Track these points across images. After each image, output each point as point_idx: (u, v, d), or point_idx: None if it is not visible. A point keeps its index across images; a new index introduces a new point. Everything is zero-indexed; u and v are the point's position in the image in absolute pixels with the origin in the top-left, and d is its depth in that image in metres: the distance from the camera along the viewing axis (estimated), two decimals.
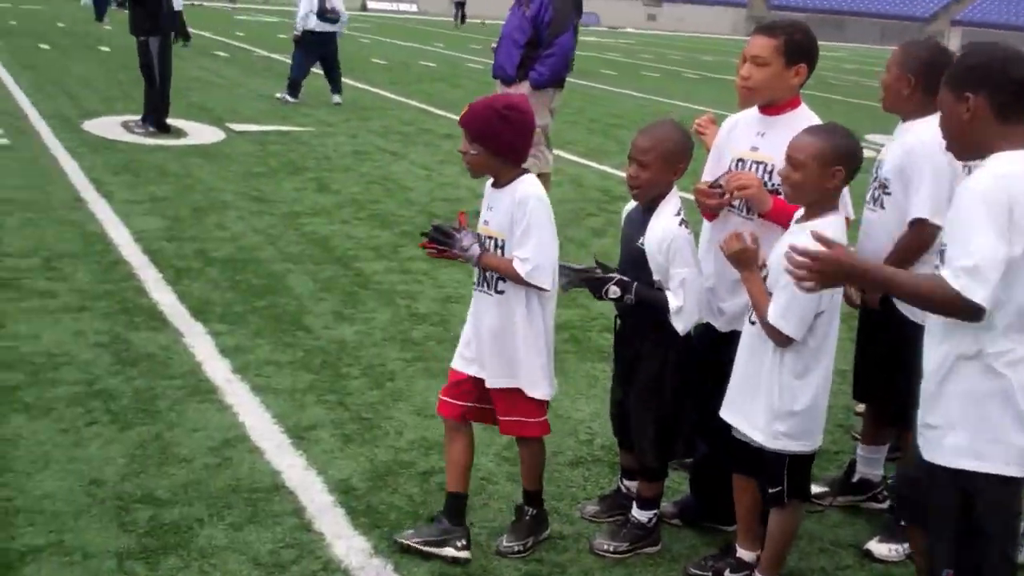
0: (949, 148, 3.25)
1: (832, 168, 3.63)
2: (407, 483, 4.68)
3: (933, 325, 3.13)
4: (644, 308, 4.02)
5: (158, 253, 7.82)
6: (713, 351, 4.27)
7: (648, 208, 4.07)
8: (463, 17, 48.09)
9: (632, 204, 4.24)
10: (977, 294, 2.86)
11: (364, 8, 57.40)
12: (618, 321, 4.30)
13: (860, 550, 4.38)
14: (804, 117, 4.14)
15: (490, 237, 4.00)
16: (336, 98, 16.62)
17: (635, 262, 4.06)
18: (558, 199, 10.70)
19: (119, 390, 5.39)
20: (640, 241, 4.02)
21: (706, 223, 4.42)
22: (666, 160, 3.97)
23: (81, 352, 5.84)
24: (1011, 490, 3.08)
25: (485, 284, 4.04)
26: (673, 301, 3.97)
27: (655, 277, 4.00)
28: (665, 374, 4.10)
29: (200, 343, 6.13)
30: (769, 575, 3.93)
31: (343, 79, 16.90)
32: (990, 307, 2.89)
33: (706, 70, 31.70)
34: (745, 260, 3.78)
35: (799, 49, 4.13)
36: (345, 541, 4.18)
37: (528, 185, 3.95)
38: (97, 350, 5.89)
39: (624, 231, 4.24)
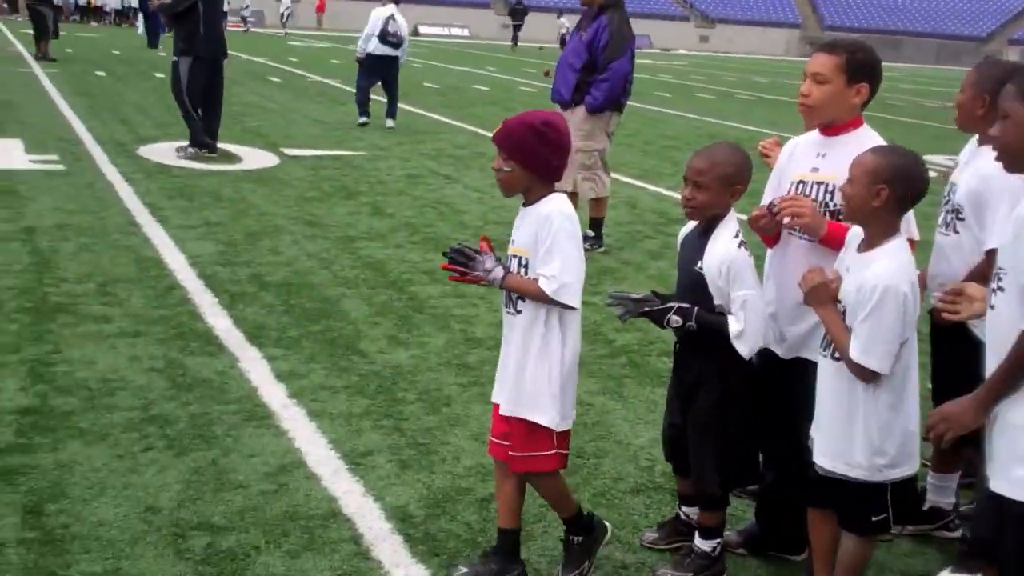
0: (1013, 164, 3.14)
1: (876, 187, 3.51)
2: (465, 510, 4.60)
3: (999, 345, 3.00)
4: (706, 333, 3.91)
5: (213, 278, 7.82)
6: (775, 379, 4.16)
7: (705, 231, 3.98)
8: (516, 39, 47.96)
9: (689, 227, 4.14)
10: None
11: (416, 33, 57.78)
12: (677, 344, 4.20)
13: None
14: (866, 137, 4.02)
15: (515, 256, 3.88)
16: (389, 122, 16.75)
17: (694, 286, 3.96)
18: (615, 221, 10.67)
19: (175, 415, 5.35)
20: (699, 265, 3.93)
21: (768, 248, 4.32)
22: (723, 181, 3.89)
23: (136, 377, 5.82)
24: None
25: (510, 304, 3.91)
26: (735, 325, 3.87)
27: (716, 301, 3.91)
28: (727, 400, 4.00)
29: (255, 368, 6.09)
30: None
31: (402, 104, 16.96)
32: None
33: (760, 91, 31.51)
34: (822, 296, 3.67)
35: (861, 67, 4.02)
36: (403, 569, 4.10)
37: (555, 202, 3.82)
38: (152, 375, 5.87)
39: (681, 254, 4.15)
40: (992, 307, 3.06)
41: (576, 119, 9.21)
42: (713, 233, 3.93)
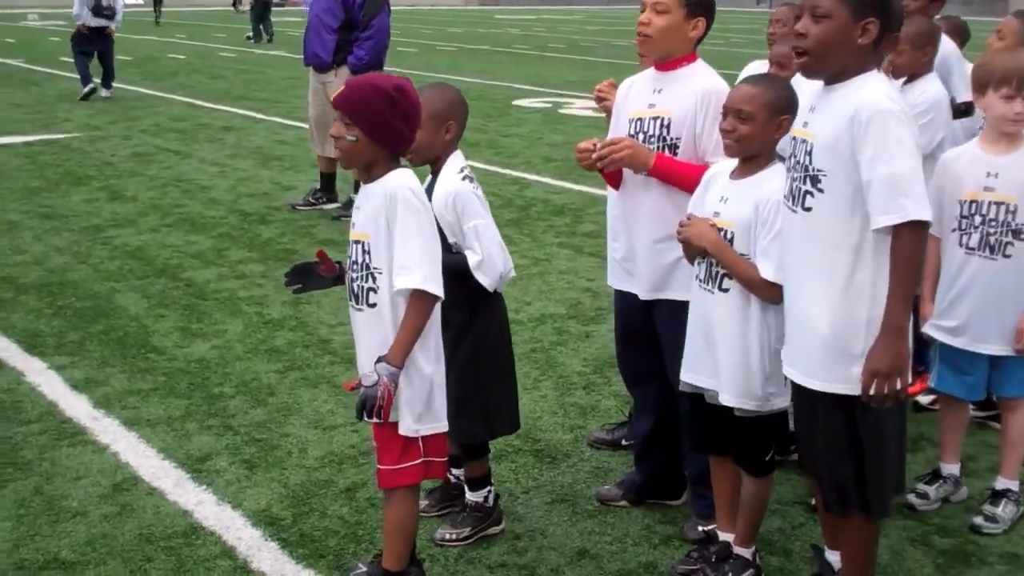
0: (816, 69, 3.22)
1: (780, 118, 3.51)
2: (333, 503, 4.33)
3: None
4: (450, 278, 3.56)
5: None
6: (640, 322, 4.13)
7: (433, 173, 3.92)
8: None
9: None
10: None
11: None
12: None
13: (807, 506, 4.33)
14: (702, 72, 4.02)
15: (356, 241, 3.46)
16: (105, 92, 16.44)
17: None
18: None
19: None
20: None
21: (611, 193, 4.27)
22: (434, 121, 3.79)
23: None
24: None
25: (354, 299, 3.49)
26: (472, 256, 3.80)
27: (450, 240, 3.82)
28: (482, 348, 3.97)
29: (45, 380, 5.52)
30: (749, 543, 3.81)
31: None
32: None
33: (458, 41, 31.67)
34: (708, 235, 3.57)
35: (700, 2, 3.99)
36: None
37: (401, 177, 3.43)
38: None
39: None
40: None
41: (340, 81, 8.87)
42: (438, 174, 3.88)
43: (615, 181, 4.12)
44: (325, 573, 3.84)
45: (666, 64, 4.02)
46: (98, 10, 16.21)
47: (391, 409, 3.32)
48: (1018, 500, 4.22)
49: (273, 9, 30.03)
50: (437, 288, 3.34)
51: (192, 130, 13.73)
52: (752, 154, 3.59)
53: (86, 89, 16.22)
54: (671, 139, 3.92)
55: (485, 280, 3.81)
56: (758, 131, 3.52)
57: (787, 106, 3.53)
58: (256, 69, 21.89)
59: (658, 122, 3.96)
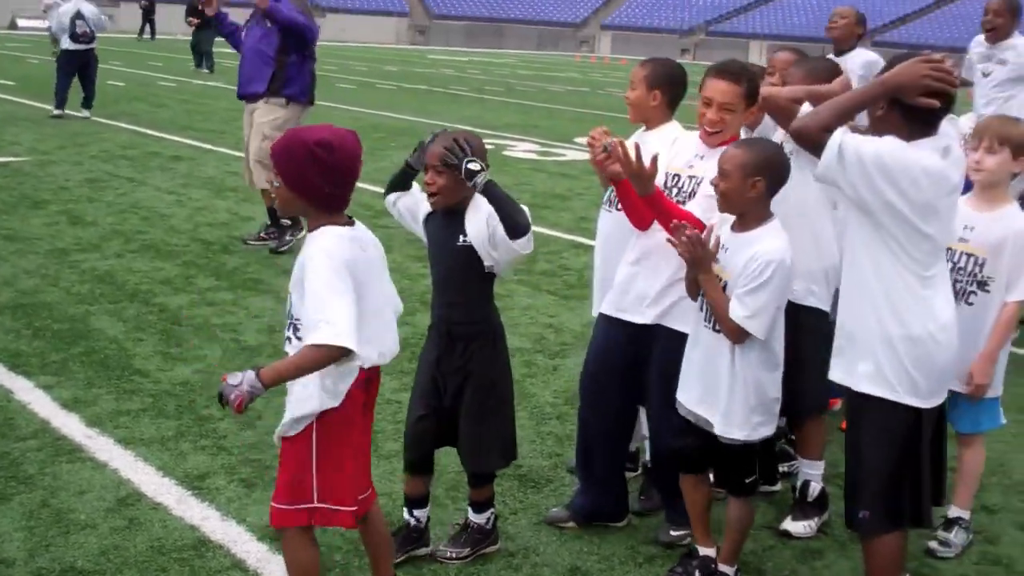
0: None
1: (753, 179, 3.83)
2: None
3: None
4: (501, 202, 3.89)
5: None
6: (635, 345, 4.41)
7: (453, 211, 4.09)
8: (152, 30, 43.57)
9: (423, 212, 4.24)
10: None
11: (14, 27, 53.68)
12: (431, 330, 4.26)
13: (776, 530, 4.65)
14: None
15: (291, 293, 3.49)
16: (85, 112, 17.43)
17: (461, 261, 4.09)
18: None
19: None
20: (461, 240, 4.05)
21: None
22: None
23: None
24: None
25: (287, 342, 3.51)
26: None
27: (486, 263, 4.07)
28: (501, 376, 4.26)
29: (35, 399, 5.65)
30: (733, 561, 4.13)
31: (32, 101, 16.13)
32: None
33: (395, 80, 31.95)
34: (705, 263, 3.87)
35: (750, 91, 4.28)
36: None
37: (321, 238, 3.38)
38: None
39: (435, 238, 4.21)
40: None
41: (270, 111, 9.17)
42: (467, 209, 4.05)
43: (645, 223, 4.34)
44: None
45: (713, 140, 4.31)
46: (75, 36, 17.00)
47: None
48: (968, 528, 4.59)
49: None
50: (331, 340, 3.19)
51: (142, 158, 13.79)
52: (734, 211, 3.92)
53: (56, 112, 17.07)
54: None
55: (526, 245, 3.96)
56: (734, 189, 3.85)
57: (761, 168, 3.82)
58: (197, 100, 21.94)
59: (693, 181, 4.30)
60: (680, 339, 4.17)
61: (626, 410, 4.62)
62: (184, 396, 5.82)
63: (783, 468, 5.17)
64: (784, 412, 4.83)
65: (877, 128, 3.56)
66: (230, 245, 9.35)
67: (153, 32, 36.84)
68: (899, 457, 3.62)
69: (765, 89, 4.34)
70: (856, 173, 3.39)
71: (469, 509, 4.37)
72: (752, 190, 3.84)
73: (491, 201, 3.88)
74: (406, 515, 4.32)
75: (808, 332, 4.38)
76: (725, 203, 3.93)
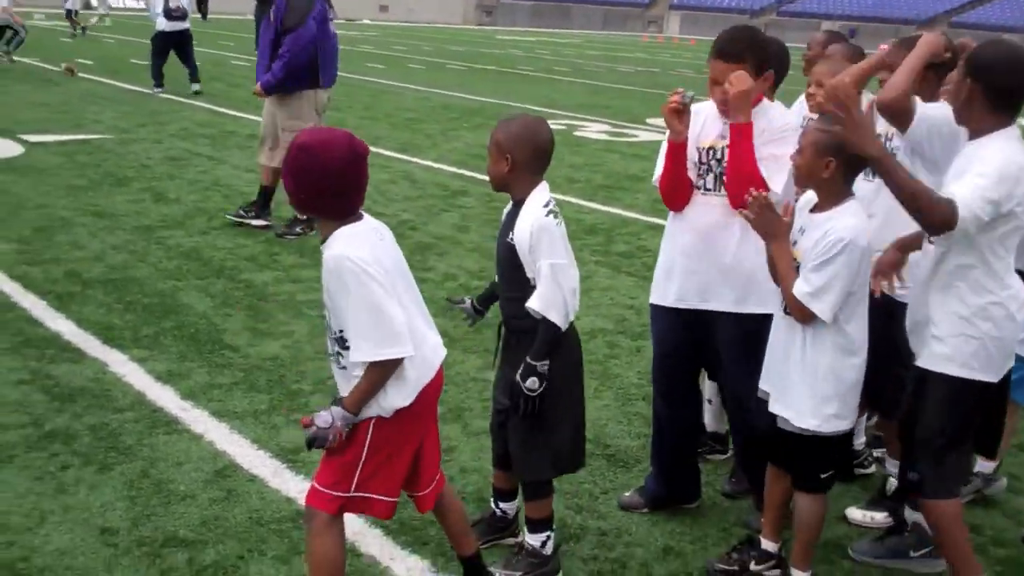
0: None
1: (825, 159, 3.74)
2: None
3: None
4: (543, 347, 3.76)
5: (26, 279, 7.26)
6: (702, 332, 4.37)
7: (517, 203, 3.86)
8: (205, 11, 44.52)
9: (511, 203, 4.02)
10: None
11: (88, 6, 54.46)
12: (502, 328, 4.05)
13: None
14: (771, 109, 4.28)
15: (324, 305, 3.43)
16: (195, 86, 18.33)
17: (509, 257, 3.81)
18: (405, 196, 10.68)
19: (73, 428, 5.01)
20: (510, 236, 3.79)
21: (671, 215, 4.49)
22: (495, 151, 3.81)
23: (7, 392, 5.38)
24: None
25: (333, 356, 3.46)
26: (536, 297, 3.72)
27: (528, 274, 3.77)
28: (553, 386, 3.80)
29: (129, 371, 5.76)
30: (805, 565, 4.00)
31: (110, 80, 16.36)
32: None
33: (463, 60, 31.98)
34: (775, 228, 3.80)
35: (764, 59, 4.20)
36: (400, 562, 4.07)
37: (337, 244, 3.28)
38: (23, 388, 5.44)
39: (501, 228, 3.95)
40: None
41: (276, 101, 9.07)
42: (524, 204, 3.82)
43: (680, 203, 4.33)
44: (430, 559, 4.10)
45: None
46: (168, 14, 17.58)
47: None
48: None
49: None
50: (389, 353, 3.24)
51: (220, 136, 13.97)
52: (808, 186, 3.85)
53: (157, 90, 17.99)
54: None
55: (555, 318, 3.72)
56: (806, 165, 3.78)
57: (834, 149, 3.71)
58: None
59: (713, 152, 4.22)
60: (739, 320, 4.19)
61: (694, 395, 4.65)
62: (274, 371, 5.90)
63: (875, 454, 5.12)
64: (875, 408, 4.80)
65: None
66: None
67: (205, 13, 37.32)
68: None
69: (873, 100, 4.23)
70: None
71: (524, 529, 4.12)
72: (825, 170, 3.77)
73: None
74: (492, 504, 4.31)
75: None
76: (800, 178, 3.88)
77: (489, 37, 49.06)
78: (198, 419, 5.22)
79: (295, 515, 4.35)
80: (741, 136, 4.11)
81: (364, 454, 3.40)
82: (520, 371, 3.77)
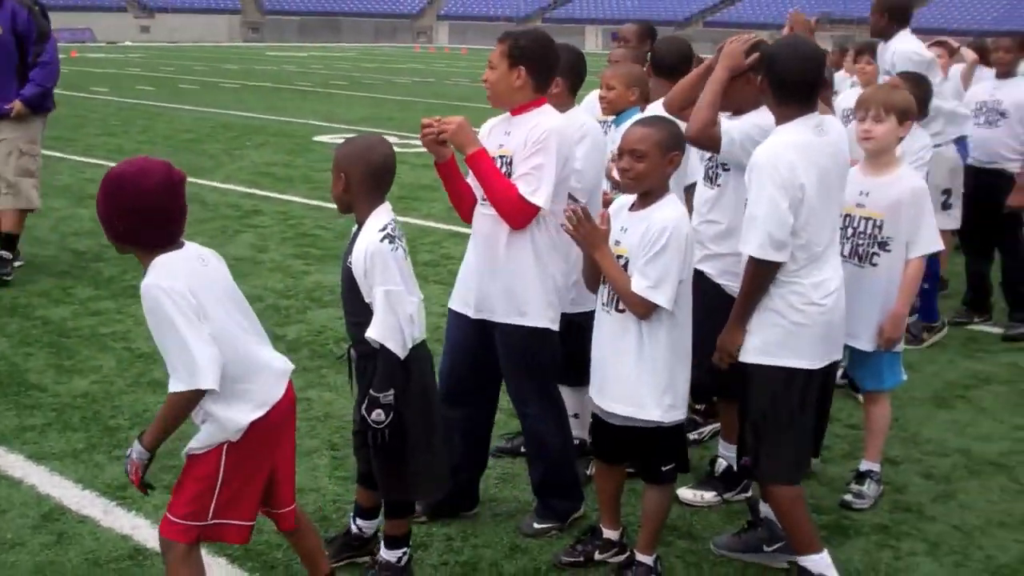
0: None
1: (671, 154, 3.95)
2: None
3: None
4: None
5: None
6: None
7: (359, 225, 3.86)
8: None
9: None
10: None
11: None
12: (351, 350, 4.00)
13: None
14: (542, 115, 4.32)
15: None
16: None
17: (349, 281, 3.81)
18: (196, 218, 10.43)
19: None
20: (348, 260, 3.81)
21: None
22: (334, 172, 3.86)
23: None
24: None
25: None
26: (374, 325, 3.69)
27: (367, 299, 3.75)
28: (401, 409, 3.78)
29: None
30: (651, 551, 4.13)
31: None
32: None
33: (238, 79, 31.40)
34: (595, 239, 3.91)
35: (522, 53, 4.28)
36: None
37: (152, 273, 3.26)
38: None
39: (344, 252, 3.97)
40: None
41: (12, 123, 8.10)
42: (363, 227, 3.82)
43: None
44: None
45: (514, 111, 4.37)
46: None
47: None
48: (879, 480, 4.85)
49: None
50: (189, 384, 3.23)
51: None
52: (648, 189, 3.97)
53: None
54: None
55: (393, 347, 3.69)
56: (652, 168, 3.93)
57: (676, 143, 3.97)
58: None
59: (503, 160, 4.31)
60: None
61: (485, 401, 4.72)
62: (87, 408, 5.69)
63: (692, 436, 5.33)
64: (710, 394, 5.03)
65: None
66: (102, 253, 9.10)
67: None
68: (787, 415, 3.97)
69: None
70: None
71: (381, 544, 4.10)
72: (670, 165, 3.96)
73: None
74: (351, 522, 4.27)
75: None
76: (639, 183, 3.95)
77: (260, 54, 48.27)
78: (14, 464, 5.00)
79: (133, 552, 4.24)
80: (475, 165, 4.21)
81: (219, 482, 3.35)
82: (364, 404, 3.75)
